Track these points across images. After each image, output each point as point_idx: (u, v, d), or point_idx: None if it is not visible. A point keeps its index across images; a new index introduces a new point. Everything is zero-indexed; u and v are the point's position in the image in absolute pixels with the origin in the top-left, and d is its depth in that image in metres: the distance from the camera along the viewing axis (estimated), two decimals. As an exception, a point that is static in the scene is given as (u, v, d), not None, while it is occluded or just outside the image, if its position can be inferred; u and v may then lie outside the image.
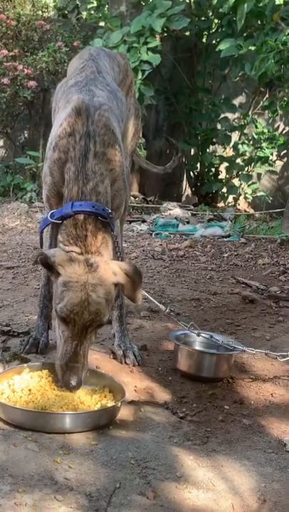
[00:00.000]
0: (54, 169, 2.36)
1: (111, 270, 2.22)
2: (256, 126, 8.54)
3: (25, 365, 2.48)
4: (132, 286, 2.25)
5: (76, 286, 2.15)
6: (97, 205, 2.25)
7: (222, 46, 6.99)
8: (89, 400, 2.27)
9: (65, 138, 2.34)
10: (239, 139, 8.53)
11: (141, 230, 6.29)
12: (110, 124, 2.38)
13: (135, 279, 2.25)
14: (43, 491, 1.79)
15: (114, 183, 2.40)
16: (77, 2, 9.40)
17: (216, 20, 8.21)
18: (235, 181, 8.62)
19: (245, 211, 8.39)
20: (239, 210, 8.43)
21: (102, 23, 8.13)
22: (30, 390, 2.27)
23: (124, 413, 2.32)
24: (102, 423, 2.20)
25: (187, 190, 8.93)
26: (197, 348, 2.89)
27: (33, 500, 1.74)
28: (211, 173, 8.57)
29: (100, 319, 2.17)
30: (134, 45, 7.11)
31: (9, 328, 2.98)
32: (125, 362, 2.77)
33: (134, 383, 2.61)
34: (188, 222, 6.82)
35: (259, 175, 8.97)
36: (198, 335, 2.80)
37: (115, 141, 2.39)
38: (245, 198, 8.76)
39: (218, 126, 8.50)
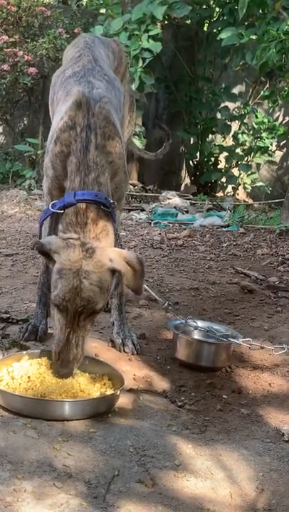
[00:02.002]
0: (56, 162, 2.37)
1: (108, 256, 2.19)
2: (256, 116, 8.52)
3: (24, 352, 2.48)
4: (133, 275, 2.20)
5: (69, 274, 2.14)
6: (99, 195, 2.25)
7: (223, 35, 6.95)
8: (88, 387, 2.28)
9: (67, 131, 2.34)
10: (239, 129, 8.50)
11: (140, 219, 6.28)
12: (111, 117, 2.39)
13: (137, 268, 2.20)
14: (42, 478, 1.80)
15: (115, 176, 2.40)
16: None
17: (217, 9, 8.16)
18: (235, 171, 8.61)
19: (244, 201, 8.39)
20: (238, 200, 8.42)
21: (102, 10, 8.05)
22: (29, 377, 2.28)
23: (123, 401, 2.33)
24: (101, 411, 2.21)
25: (186, 180, 8.91)
26: (196, 337, 2.89)
27: (33, 486, 1.75)
28: (210, 163, 8.54)
29: (92, 307, 2.15)
30: (135, 32, 7.07)
31: (8, 315, 2.98)
32: (124, 350, 2.77)
33: (133, 372, 2.62)
34: (187, 212, 6.81)
35: (258, 165, 8.95)
36: (196, 328, 2.81)
37: (116, 134, 2.39)
38: (244, 188, 8.75)
39: (218, 116, 8.47)
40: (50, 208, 2.34)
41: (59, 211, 2.28)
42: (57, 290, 2.15)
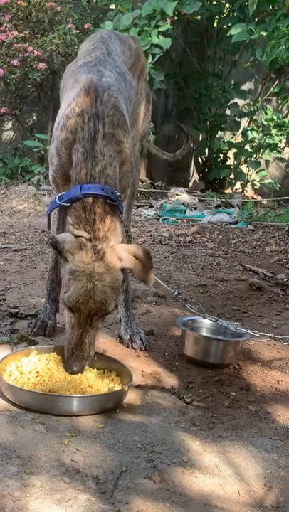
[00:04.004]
0: (61, 150, 2.34)
1: (117, 256, 2.21)
2: (266, 113, 8.50)
3: (33, 347, 2.49)
4: (143, 268, 2.24)
5: (82, 276, 2.17)
6: (106, 188, 2.24)
7: (233, 31, 6.92)
8: (96, 383, 2.28)
9: (73, 118, 2.32)
10: (248, 126, 8.49)
11: (148, 215, 6.28)
12: (119, 105, 2.37)
13: (144, 261, 2.24)
14: (51, 473, 1.80)
15: (123, 166, 2.39)
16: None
17: (227, 5, 8.13)
18: (244, 168, 8.59)
19: (253, 198, 8.37)
20: (246, 196, 8.41)
21: (112, 6, 8.04)
22: (38, 372, 2.28)
23: (131, 397, 2.33)
24: (109, 406, 2.21)
25: (194, 176, 8.90)
26: (204, 334, 2.89)
27: (41, 481, 1.75)
28: (219, 159, 8.54)
29: (105, 308, 2.19)
30: (145, 28, 7.06)
31: (17, 311, 2.99)
32: (132, 346, 2.78)
33: (141, 368, 2.62)
34: (195, 208, 6.81)
35: (267, 162, 8.93)
36: (205, 317, 2.80)
37: (124, 123, 2.37)
38: (253, 184, 8.73)
39: (228, 112, 8.46)
40: (57, 200, 2.33)
41: (66, 204, 2.28)
42: (70, 292, 2.18)
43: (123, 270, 2.24)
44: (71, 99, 2.37)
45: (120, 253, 2.22)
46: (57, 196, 2.35)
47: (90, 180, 2.26)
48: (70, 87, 2.48)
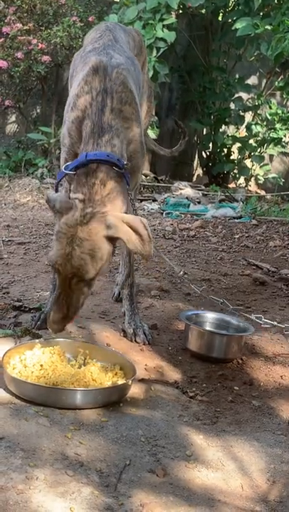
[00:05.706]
0: (72, 129, 2.34)
1: (106, 223, 2.13)
2: (270, 107, 8.47)
3: (36, 340, 2.49)
4: (140, 240, 2.13)
5: (63, 238, 2.13)
6: (111, 155, 2.21)
7: (238, 25, 6.90)
8: (100, 376, 2.28)
9: (83, 96, 2.31)
10: (252, 120, 8.46)
11: (152, 209, 6.27)
12: (128, 82, 2.35)
13: (142, 232, 2.12)
14: (54, 466, 1.81)
15: (131, 144, 2.36)
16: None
17: (232, -2, 8.11)
18: (247, 162, 8.57)
19: (256, 192, 8.35)
20: (250, 191, 8.39)
21: (117, -1, 8.03)
22: (41, 365, 2.28)
23: (135, 391, 2.34)
24: (113, 400, 2.21)
25: (198, 170, 8.89)
26: (208, 328, 2.89)
27: (44, 474, 1.76)
28: (223, 154, 8.51)
29: (82, 274, 2.14)
30: (150, 21, 7.03)
31: (21, 304, 2.99)
32: (135, 340, 2.78)
33: (145, 362, 2.62)
34: (199, 203, 6.79)
35: (271, 156, 8.90)
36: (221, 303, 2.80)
37: (133, 100, 2.36)
38: (257, 179, 8.71)
39: (232, 106, 8.43)
40: (63, 169, 2.30)
41: (71, 172, 2.25)
42: (52, 251, 2.17)
43: (112, 240, 2.16)
44: (80, 79, 2.37)
45: (111, 221, 2.13)
46: (63, 166, 2.32)
47: (96, 148, 2.23)
48: (79, 70, 2.48)
